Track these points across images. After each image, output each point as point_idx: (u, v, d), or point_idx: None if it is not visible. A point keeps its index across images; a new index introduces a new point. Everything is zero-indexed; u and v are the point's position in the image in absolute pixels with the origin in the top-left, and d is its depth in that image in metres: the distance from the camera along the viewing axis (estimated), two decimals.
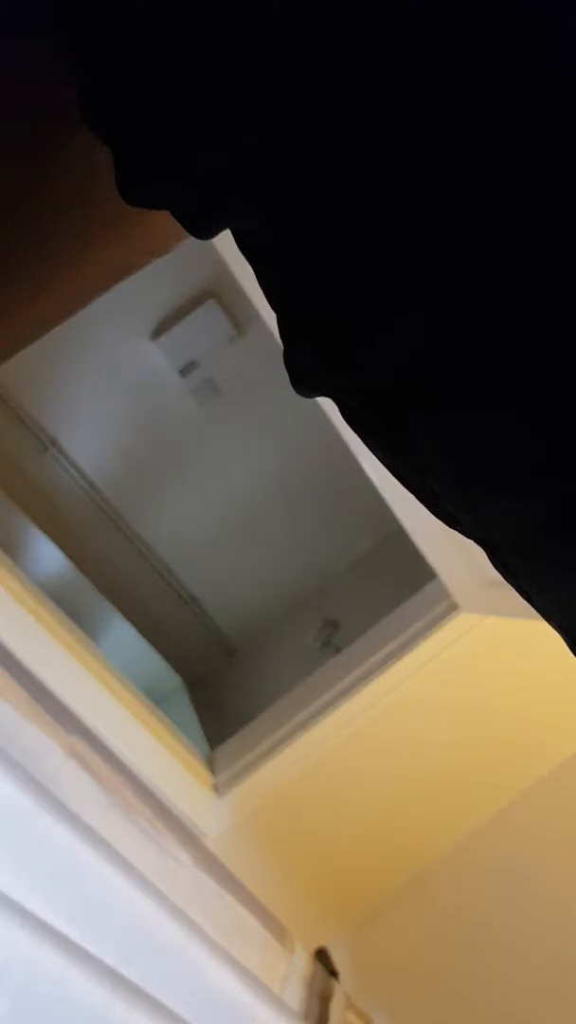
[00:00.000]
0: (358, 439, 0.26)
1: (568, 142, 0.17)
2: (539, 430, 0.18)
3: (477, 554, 0.26)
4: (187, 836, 1.25)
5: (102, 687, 1.37)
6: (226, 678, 3.05)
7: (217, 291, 2.49)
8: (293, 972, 1.25)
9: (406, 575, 1.75)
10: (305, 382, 0.25)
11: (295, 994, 1.20)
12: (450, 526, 0.24)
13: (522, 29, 0.17)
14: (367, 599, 2.16)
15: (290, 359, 0.25)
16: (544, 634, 0.26)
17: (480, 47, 0.17)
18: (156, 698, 2.10)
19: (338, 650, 1.79)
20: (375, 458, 0.26)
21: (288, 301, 0.23)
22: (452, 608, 1.48)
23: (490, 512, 0.21)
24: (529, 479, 0.19)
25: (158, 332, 2.53)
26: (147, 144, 0.24)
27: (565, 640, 0.23)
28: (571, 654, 0.24)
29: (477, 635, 1.48)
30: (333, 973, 1.38)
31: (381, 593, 1.94)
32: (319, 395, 0.25)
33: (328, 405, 1.09)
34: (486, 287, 0.18)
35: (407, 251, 0.19)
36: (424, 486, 0.23)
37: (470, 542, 0.25)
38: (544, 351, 0.18)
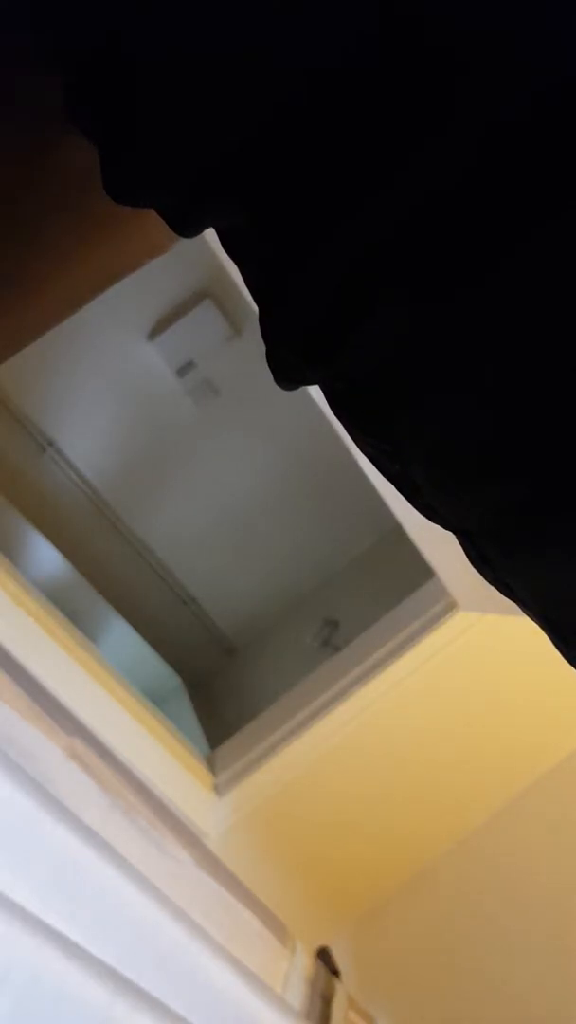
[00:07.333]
0: None
1: (569, 121, 0.17)
2: (522, 408, 0.18)
3: None
4: (188, 836, 1.25)
5: (101, 688, 1.37)
6: (226, 678, 3.05)
7: (214, 291, 2.49)
8: (295, 971, 1.24)
9: (405, 574, 1.75)
10: (290, 376, 0.25)
11: (297, 993, 1.20)
12: (430, 519, 0.24)
13: (520, 6, 0.17)
14: (366, 598, 2.16)
15: (273, 356, 0.25)
16: (543, 632, 0.26)
17: (478, 32, 0.17)
18: (156, 698, 2.10)
19: (337, 649, 1.79)
20: None
21: (270, 299, 0.23)
22: (451, 606, 1.49)
23: (471, 497, 0.21)
24: (512, 457, 0.19)
25: (155, 332, 2.52)
26: (133, 142, 0.24)
27: (546, 630, 0.23)
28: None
29: (476, 633, 1.48)
30: (335, 972, 1.38)
31: (380, 592, 1.94)
32: (303, 386, 0.26)
33: (324, 403, 1.09)
34: (468, 277, 0.18)
35: (386, 248, 0.19)
36: (406, 477, 0.23)
37: None
38: (524, 331, 0.18)
